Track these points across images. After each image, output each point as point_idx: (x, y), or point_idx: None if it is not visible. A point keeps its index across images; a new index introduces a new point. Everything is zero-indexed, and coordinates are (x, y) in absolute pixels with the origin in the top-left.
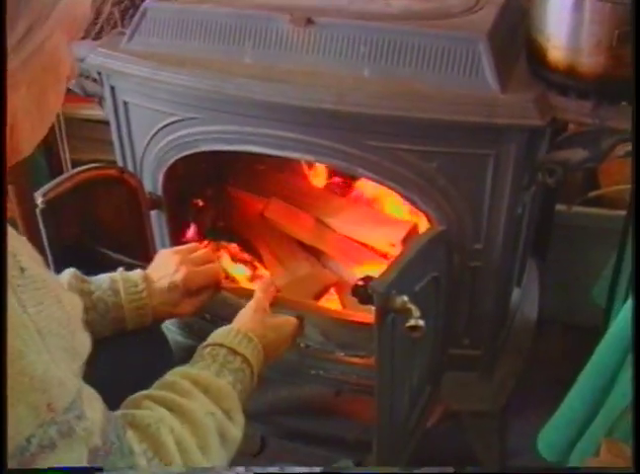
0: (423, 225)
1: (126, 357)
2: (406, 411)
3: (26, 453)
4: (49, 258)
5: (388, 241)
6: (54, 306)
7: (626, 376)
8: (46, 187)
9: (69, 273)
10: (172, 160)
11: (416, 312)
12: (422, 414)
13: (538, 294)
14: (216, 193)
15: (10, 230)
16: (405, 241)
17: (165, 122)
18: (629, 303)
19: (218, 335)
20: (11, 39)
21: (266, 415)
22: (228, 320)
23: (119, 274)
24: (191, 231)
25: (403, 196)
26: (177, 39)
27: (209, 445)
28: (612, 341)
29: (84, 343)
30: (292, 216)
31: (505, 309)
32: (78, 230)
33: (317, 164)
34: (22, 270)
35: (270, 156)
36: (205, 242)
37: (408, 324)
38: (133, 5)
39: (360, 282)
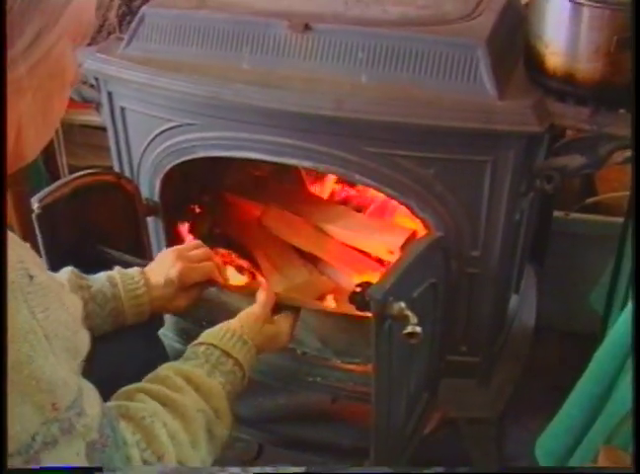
0: (421, 232)
1: (123, 352)
2: (403, 417)
3: (30, 451)
4: (46, 263)
5: (387, 248)
6: (60, 310)
7: (625, 383)
8: (43, 192)
9: (68, 270)
10: (169, 166)
11: (413, 319)
12: (419, 420)
13: (536, 301)
14: (213, 199)
15: (14, 237)
16: (403, 248)
17: (162, 128)
18: (628, 309)
19: (214, 335)
20: (19, 46)
21: (262, 422)
22: None
23: (116, 270)
24: (187, 237)
25: (400, 202)
26: (174, 44)
27: (199, 441)
28: (611, 347)
29: (84, 341)
30: (290, 223)
31: (502, 316)
32: (75, 236)
33: (317, 171)
34: (31, 277)
35: (267, 162)
36: None
37: (405, 331)
38: (131, 11)
39: (358, 289)
